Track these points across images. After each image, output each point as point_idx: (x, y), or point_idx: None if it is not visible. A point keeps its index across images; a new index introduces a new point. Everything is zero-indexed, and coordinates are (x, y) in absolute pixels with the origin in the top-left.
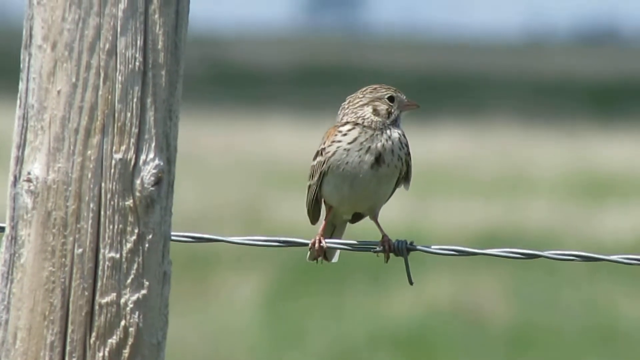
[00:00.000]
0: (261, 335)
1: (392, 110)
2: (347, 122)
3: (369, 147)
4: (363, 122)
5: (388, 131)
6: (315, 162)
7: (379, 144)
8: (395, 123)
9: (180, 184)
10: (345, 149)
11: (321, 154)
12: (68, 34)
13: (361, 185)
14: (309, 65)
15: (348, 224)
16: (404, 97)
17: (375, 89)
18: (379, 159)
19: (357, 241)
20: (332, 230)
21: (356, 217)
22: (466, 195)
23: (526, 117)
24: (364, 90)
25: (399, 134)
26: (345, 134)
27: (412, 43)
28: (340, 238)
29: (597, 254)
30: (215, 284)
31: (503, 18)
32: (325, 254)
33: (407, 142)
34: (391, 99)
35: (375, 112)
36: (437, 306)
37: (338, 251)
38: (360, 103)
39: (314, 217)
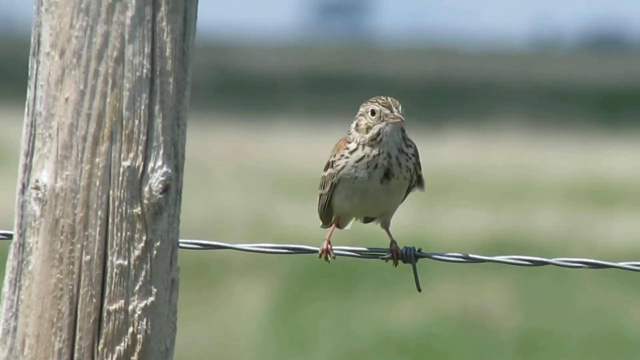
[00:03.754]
0: (268, 342)
1: (371, 125)
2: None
3: (376, 164)
4: (348, 138)
5: (386, 146)
6: (326, 174)
7: (385, 161)
8: (376, 139)
9: (187, 191)
10: (353, 166)
11: (332, 166)
12: (76, 41)
13: (371, 196)
14: (316, 72)
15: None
16: (392, 110)
17: (367, 102)
18: (387, 174)
19: (366, 248)
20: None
21: (368, 219)
22: (474, 202)
23: (534, 123)
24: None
25: (399, 148)
26: (351, 152)
27: (419, 50)
28: (347, 224)
29: (606, 260)
30: (223, 291)
31: (510, 25)
32: (339, 224)
33: (414, 152)
34: (372, 112)
35: (357, 127)
36: (444, 313)
37: (352, 220)
38: (356, 117)
39: (326, 220)
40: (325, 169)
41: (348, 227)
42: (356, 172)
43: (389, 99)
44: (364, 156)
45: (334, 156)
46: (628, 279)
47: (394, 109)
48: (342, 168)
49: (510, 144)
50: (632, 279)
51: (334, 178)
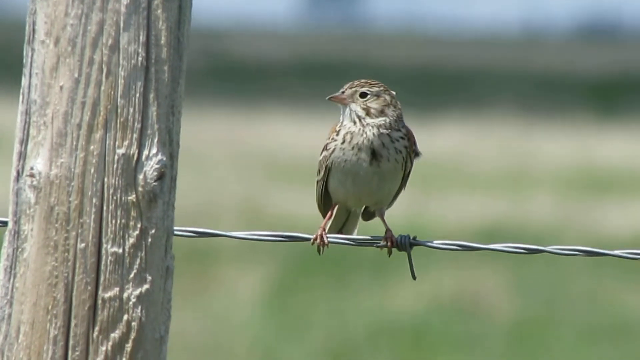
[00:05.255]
0: (263, 329)
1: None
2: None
3: (358, 143)
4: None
5: (367, 126)
6: (321, 157)
7: (365, 141)
8: (346, 115)
9: (179, 177)
10: (341, 148)
11: (326, 148)
12: (71, 29)
13: (364, 180)
14: (310, 59)
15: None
16: (344, 91)
17: None
18: (375, 155)
19: (361, 236)
20: (345, 217)
21: (368, 215)
22: (468, 190)
23: (527, 111)
24: None
25: (373, 126)
26: (338, 133)
27: (412, 37)
28: (354, 230)
29: (600, 248)
30: (216, 278)
31: (503, 12)
32: (342, 230)
33: (404, 134)
34: None
35: None
36: (439, 300)
37: (357, 227)
38: None
39: (325, 211)
40: (321, 152)
41: (354, 234)
42: (344, 155)
43: (352, 82)
44: (345, 135)
45: (328, 138)
46: (622, 266)
47: (343, 90)
48: (334, 150)
49: (504, 131)
50: (626, 267)
51: (328, 161)
